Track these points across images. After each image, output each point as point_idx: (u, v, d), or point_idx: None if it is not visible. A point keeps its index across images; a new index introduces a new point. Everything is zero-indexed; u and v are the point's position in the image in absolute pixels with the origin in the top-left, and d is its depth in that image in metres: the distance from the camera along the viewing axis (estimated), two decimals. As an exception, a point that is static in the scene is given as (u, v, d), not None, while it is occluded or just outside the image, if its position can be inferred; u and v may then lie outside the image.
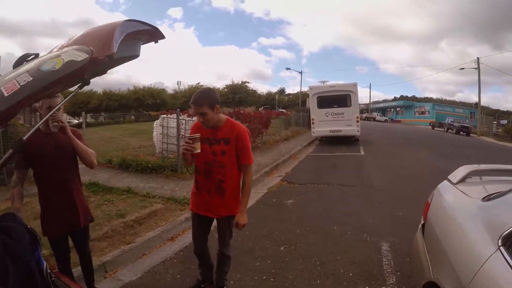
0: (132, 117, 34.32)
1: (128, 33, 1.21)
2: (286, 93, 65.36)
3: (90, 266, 2.50)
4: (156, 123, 8.02)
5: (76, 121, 30.76)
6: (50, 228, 2.18)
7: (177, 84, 48.68)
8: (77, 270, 2.61)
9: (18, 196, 1.99)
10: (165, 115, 7.46)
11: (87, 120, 30.30)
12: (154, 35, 1.49)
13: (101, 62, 1.09)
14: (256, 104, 40.24)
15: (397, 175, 7.44)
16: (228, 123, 2.19)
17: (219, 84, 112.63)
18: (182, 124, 7.12)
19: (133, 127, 19.15)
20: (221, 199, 2.22)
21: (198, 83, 38.70)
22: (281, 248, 3.58)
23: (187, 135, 2.09)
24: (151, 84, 38.08)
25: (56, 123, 1.96)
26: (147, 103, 34.43)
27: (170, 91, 42.72)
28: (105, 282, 2.96)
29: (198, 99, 2.04)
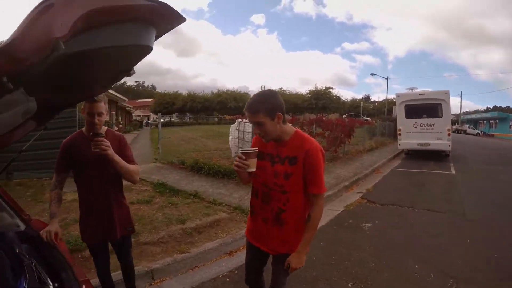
0: (216, 119, 36.35)
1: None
2: (371, 100, 63.43)
3: (131, 274, 2.43)
4: (232, 127, 8.05)
5: (162, 120, 33.86)
6: (86, 235, 2.15)
7: (261, 89, 50.29)
8: (118, 274, 2.53)
9: (55, 200, 1.94)
10: (241, 119, 7.33)
11: (173, 119, 33.30)
12: (167, 16, 1.13)
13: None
14: (339, 111, 39.32)
15: (494, 203, 5.95)
16: (297, 138, 1.70)
17: (303, 89, 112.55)
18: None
19: (214, 129, 20.05)
20: (278, 233, 1.76)
21: (281, 88, 39.33)
22: (349, 285, 2.93)
23: (242, 149, 1.67)
24: (234, 88, 40.13)
25: (97, 150, 1.86)
26: (229, 106, 36.21)
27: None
28: None
29: (252, 105, 1.61)
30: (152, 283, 2.95)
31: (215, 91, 41.05)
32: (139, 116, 45.08)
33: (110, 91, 16.85)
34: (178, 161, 7.75)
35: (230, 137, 8.13)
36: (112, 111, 16.50)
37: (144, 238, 3.65)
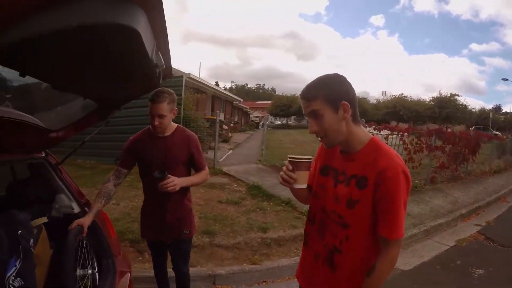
0: None
1: None
2: (503, 111, 51.19)
3: (184, 286, 2.29)
4: None
5: (279, 122, 35.08)
6: (143, 230, 2.19)
7: (382, 94, 47.06)
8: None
9: (102, 195, 1.87)
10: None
11: (290, 122, 34.12)
12: None
13: None
14: (466, 122, 34.11)
15: None
16: (371, 149, 1.19)
17: (426, 96, 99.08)
18: None
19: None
20: (327, 277, 1.30)
21: (402, 94, 35.84)
22: None
23: (290, 156, 1.26)
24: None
25: (166, 190, 1.86)
26: None
27: (373, 100, 41.90)
28: None
29: (308, 88, 1.18)
30: (211, 288, 2.90)
31: None
32: (257, 117, 48.17)
33: (223, 91, 18.37)
34: (280, 165, 7.66)
35: None
36: (216, 109, 17.93)
37: (219, 240, 3.64)
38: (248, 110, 40.98)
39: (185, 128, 2.15)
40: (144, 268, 2.99)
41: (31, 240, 1.23)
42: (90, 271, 1.67)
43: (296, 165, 1.22)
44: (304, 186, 1.26)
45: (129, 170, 2.07)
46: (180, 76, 7.21)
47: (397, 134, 6.57)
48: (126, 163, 2.04)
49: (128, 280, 1.86)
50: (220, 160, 8.94)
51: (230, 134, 15.49)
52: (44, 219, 1.51)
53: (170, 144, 1.99)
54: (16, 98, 1.68)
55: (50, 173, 1.81)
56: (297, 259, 3.21)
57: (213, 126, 12.90)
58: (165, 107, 1.87)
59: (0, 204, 1.61)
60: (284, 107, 40.42)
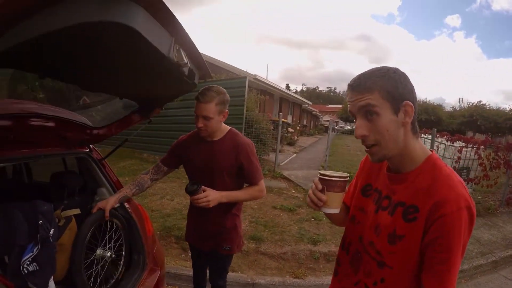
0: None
1: None
2: None
3: None
4: None
5: (349, 127, 33.70)
6: (186, 232, 2.07)
7: (459, 102, 42.37)
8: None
9: (135, 184, 1.85)
10: (424, 135, 6.01)
11: None
12: None
13: None
14: None
15: None
16: (428, 169, 0.92)
17: (506, 104, 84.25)
18: (436, 150, 5.43)
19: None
20: None
21: (480, 101, 31.70)
22: None
23: (321, 171, 1.04)
24: (427, 99, 35.11)
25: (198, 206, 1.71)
26: (420, 118, 32.74)
27: (448, 108, 38.30)
28: None
29: (363, 78, 0.89)
30: (249, 299, 2.81)
31: None
32: (327, 121, 46.96)
33: (291, 93, 18.14)
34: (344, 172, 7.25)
35: None
36: (284, 111, 17.71)
37: (265, 248, 3.52)
38: (318, 113, 40.29)
39: (238, 133, 1.87)
40: (185, 266, 3.04)
41: (52, 230, 1.29)
42: (108, 254, 1.70)
43: (328, 184, 1.01)
44: (336, 211, 1.03)
45: (170, 168, 1.96)
46: (244, 77, 7.30)
47: (472, 147, 5.64)
48: (167, 161, 1.93)
49: (157, 278, 1.87)
50: (282, 164, 8.84)
51: (296, 137, 15.29)
52: (76, 211, 1.60)
53: (216, 150, 1.77)
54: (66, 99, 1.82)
55: (92, 167, 1.92)
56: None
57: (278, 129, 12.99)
58: (211, 108, 1.64)
59: (41, 192, 1.75)
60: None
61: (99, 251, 1.66)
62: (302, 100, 22.06)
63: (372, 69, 0.92)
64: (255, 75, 11.40)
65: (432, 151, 0.97)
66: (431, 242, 0.85)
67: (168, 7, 0.93)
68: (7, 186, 2.10)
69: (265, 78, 13.08)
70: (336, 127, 39.04)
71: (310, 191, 1.05)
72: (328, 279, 3.00)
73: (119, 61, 1.14)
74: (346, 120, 40.41)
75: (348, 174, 1.04)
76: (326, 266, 3.35)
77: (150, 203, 4.53)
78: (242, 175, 1.80)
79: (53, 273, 1.26)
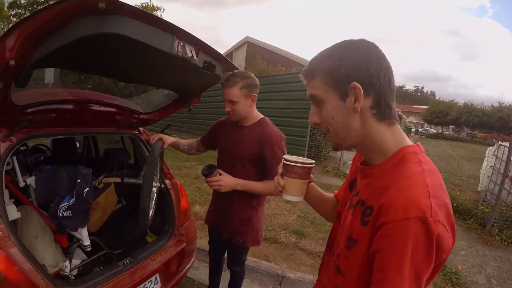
0: (494, 139, 28.60)
1: None
2: None
3: (233, 284, 2.22)
4: (489, 151, 5.86)
5: (434, 131, 30.39)
6: (207, 215, 2.16)
7: None
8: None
9: (187, 143, 2.09)
10: (503, 142, 5.18)
11: (446, 132, 29.12)
12: None
13: None
14: None
15: None
16: (394, 163, 0.76)
17: None
18: None
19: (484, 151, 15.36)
20: None
21: None
22: None
23: (284, 156, 1.01)
24: None
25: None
26: (511, 125, 27.66)
27: None
28: None
29: (310, 61, 0.83)
30: (276, 288, 2.90)
31: (496, 104, 33.35)
32: (412, 122, 42.85)
33: None
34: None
35: (484, 163, 5.93)
36: None
37: (305, 244, 3.56)
38: (400, 113, 37.73)
39: (269, 123, 1.86)
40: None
41: (86, 189, 1.64)
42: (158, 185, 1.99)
43: (286, 169, 0.98)
44: (297, 199, 1.00)
45: (206, 147, 2.11)
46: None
47: None
48: (205, 139, 2.09)
49: (180, 249, 2.09)
50: (349, 162, 8.53)
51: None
52: (117, 179, 1.95)
53: (242, 136, 1.81)
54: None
55: (140, 147, 2.27)
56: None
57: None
58: (235, 92, 1.71)
59: (98, 164, 2.17)
60: (440, 113, 34.99)
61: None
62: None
63: (329, 46, 0.80)
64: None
65: (416, 144, 0.80)
66: (373, 256, 0.70)
67: (152, 14, 1.15)
68: (76, 157, 2.62)
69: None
70: (420, 130, 35.49)
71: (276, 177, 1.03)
72: None
73: (136, 59, 1.38)
74: (431, 122, 36.57)
75: (313, 162, 1.00)
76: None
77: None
78: (264, 167, 1.78)
79: (84, 221, 1.62)
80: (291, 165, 0.97)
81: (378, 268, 0.68)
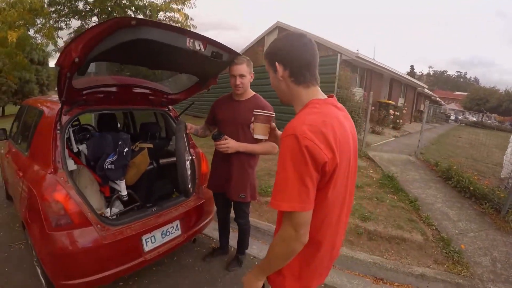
0: (507, 123, 25.96)
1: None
2: None
3: (243, 238, 2.65)
4: None
5: (474, 119, 28.44)
6: (209, 181, 2.52)
7: None
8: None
9: (204, 128, 2.50)
10: None
11: (485, 120, 27.10)
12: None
13: None
14: None
15: None
16: (303, 108, 1.18)
17: None
18: None
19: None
20: None
21: None
22: None
23: (255, 110, 1.45)
24: None
25: (219, 150, 2.17)
26: None
27: None
28: None
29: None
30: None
31: None
32: (453, 110, 40.26)
33: (402, 74, 16.24)
34: (434, 162, 6.74)
35: (509, 149, 5.80)
36: (395, 94, 16.09)
37: (248, 211, 3.77)
38: (438, 99, 35.43)
39: (260, 97, 2.29)
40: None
41: (126, 149, 2.19)
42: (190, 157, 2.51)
43: (255, 117, 1.40)
44: (262, 137, 1.40)
45: (213, 126, 2.48)
46: (335, 54, 7.31)
47: None
48: (209, 120, 2.46)
49: (198, 204, 2.56)
50: (374, 145, 8.64)
51: (401, 121, 14.11)
52: (149, 145, 2.51)
53: (241, 108, 2.20)
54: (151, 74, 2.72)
55: (169, 121, 2.77)
56: (376, 258, 3.13)
57: (385, 110, 12.15)
58: (244, 68, 2.13)
59: (134, 136, 2.72)
60: (480, 101, 32.53)
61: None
62: (416, 83, 19.67)
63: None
64: (357, 52, 10.90)
65: (329, 97, 1.19)
66: None
67: (169, 24, 1.65)
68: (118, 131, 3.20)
69: (372, 58, 12.31)
70: (459, 117, 33.21)
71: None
72: (362, 256, 3.18)
73: (162, 53, 1.84)
74: (470, 109, 34.18)
75: (274, 113, 1.46)
76: (366, 243, 3.42)
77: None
78: None
79: (123, 175, 2.18)
80: (256, 113, 1.39)
81: (277, 168, 1.03)
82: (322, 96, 1.18)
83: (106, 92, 2.17)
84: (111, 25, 1.38)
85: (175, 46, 1.65)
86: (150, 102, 2.59)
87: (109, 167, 2.07)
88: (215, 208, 2.74)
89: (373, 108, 7.99)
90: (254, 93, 2.31)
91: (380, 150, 8.05)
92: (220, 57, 2.00)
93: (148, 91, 2.46)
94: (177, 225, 2.33)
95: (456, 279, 2.89)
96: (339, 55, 7.06)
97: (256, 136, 1.40)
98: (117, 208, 2.34)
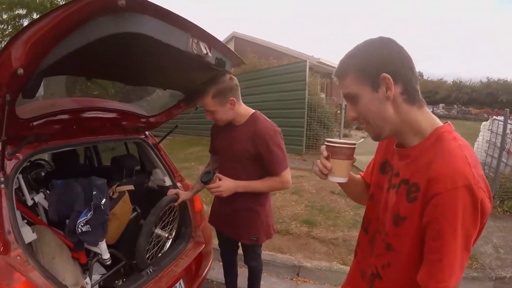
0: (485, 115, 28.86)
1: None
2: None
3: (252, 279, 2.18)
4: (484, 125, 5.92)
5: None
6: (210, 215, 2.06)
7: None
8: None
9: (186, 191, 2.08)
10: (498, 117, 5.24)
11: (438, 110, 29.42)
12: None
13: None
14: None
15: None
16: (432, 142, 0.83)
17: None
18: (510, 133, 4.75)
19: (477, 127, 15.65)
20: None
21: None
22: None
23: (328, 139, 1.03)
24: (508, 78, 30.59)
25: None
26: (501, 99, 28.28)
27: None
28: (283, 283, 2.84)
29: (340, 62, 0.91)
30: (294, 279, 2.89)
31: (484, 80, 34.00)
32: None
33: None
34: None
35: (480, 138, 5.97)
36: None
37: (317, 232, 3.55)
38: None
39: (260, 117, 1.76)
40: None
41: (103, 200, 1.56)
42: (166, 235, 1.99)
43: (333, 151, 0.98)
44: (343, 180, 1.01)
45: (216, 155, 1.99)
46: (304, 61, 7.17)
47: None
48: (211, 149, 2.01)
49: (200, 251, 2.06)
50: (348, 149, 8.55)
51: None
52: (130, 187, 1.88)
53: (235, 136, 1.74)
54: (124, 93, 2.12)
55: (148, 151, 2.20)
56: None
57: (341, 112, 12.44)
58: (208, 102, 1.64)
59: (105, 173, 2.09)
60: (429, 93, 35.64)
61: (157, 231, 1.92)
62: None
63: (353, 47, 0.88)
64: (319, 58, 11.04)
65: (447, 123, 0.87)
66: (426, 226, 0.78)
67: (171, 11, 1.06)
68: (79, 169, 2.53)
69: (332, 62, 12.54)
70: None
71: (318, 160, 1.02)
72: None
73: (149, 59, 1.32)
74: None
75: (356, 142, 1.03)
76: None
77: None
78: (264, 164, 1.71)
79: (103, 235, 1.54)
80: (340, 146, 0.98)
81: (433, 237, 0.76)
82: (436, 117, 0.89)
83: (65, 121, 1.56)
84: (82, 9, 0.84)
85: (173, 48, 1.13)
86: (123, 129, 2.02)
87: (84, 229, 1.45)
88: (214, 244, 2.27)
89: (339, 111, 7.92)
90: (253, 111, 1.79)
91: (356, 154, 7.94)
92: (223, 65, 1.53)
93: (120, 115, 1.91)
94: (180, 285, 1.77)
95: (470, 273, 2.85)
96: (307, 61, 6.90)
97: (335, 179, 1.00)
98: (97, 273, 1.74)
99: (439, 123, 0.86)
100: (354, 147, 1.00)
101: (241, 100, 1.74)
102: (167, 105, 2.15)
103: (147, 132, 2.25)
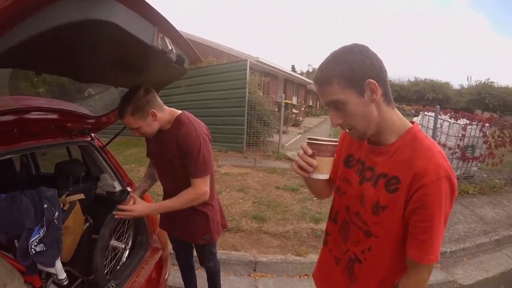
0: (413, 111, 32.93)
1: None
2: None
3: (212, 279, 2.17)
4: (415, 120, 6.69)
5: None
6: (161, 221, 2.03)
7: (467, 80, 42.07)
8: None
9: (147, 176, 1.97)
10: (428, 112, 5.90)
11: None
12: None
13: None
14: None
15: None
16: (409, 140, 0.95)
17: None
18: (440, 127, 5.40)
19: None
20: (347, 287, 1.15)
21: (488, 79, 31.31)
22: None
23: (310, 137, 1.02)
24: (433, 77, 34.98)
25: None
26: (427, 97, 32.47)
27: (456, 86, 38.55)
28: (241, 280, 2.87)
29: (321, 70, 0.92)
30: (251, 274, 2.94)
31: (412, 79, 37.75)
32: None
33: (295, 74, 17.90)
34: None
35: None
36: (289, 93, 17.57)
37: (267, 227, 3.65)
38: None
39: (184, 120, 1.68)
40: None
41: (56, 213, 1.39)
42: (123, 246, 1.85)
43: (318, 149, 0.98)
44: (326, 176, 1.01)
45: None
46: (244, 60, 7.27)
47: (477, 125, 5.57)
48: (147, 153, 1.92)
49: (159, 257, 1.99)
50: (287, 145, 8.92)
51: (301, 118, 15.27)
52: (81, 196, 1.69)
53: (164, 142, 1.71)
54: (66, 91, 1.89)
55: (95, 155, 2.01)
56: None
57: (285, 110, 12.92)
58: (130, 121, 1.58)
59: (49, 182, 1.85)
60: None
61: (113, 243, 1.77)
62: (306, 81, 21.79)
63: (330, 54, 0.92)
64: (257, 57, 11.26)
65: (413, 123, 0.99)
66: (413, 212, 0.90)
67: (145, 0, 0.98)
68: (17, 178, 2.21)
69: (269, 60, 12.89)
70: None
71: (297, 157, 1.02)
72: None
73: (108, 52, 1.20)
74: None
75: (337, 140, 1.05)
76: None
77: (155, 187, 4.67)
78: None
79: (59, 253, 1.37)
80: (326, 144, 0.98)
81: (422, 220, 0.89)
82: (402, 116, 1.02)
83: (4, 124, 1.34)
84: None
85: (139, 42, 1.04)
86: (68, 132, 1.81)
87: (38, 249, 1.23)
88: (169, 247, 2.20)
89: (276, 109, 8.20)
90: (178, 113, 1.72)
91: (295, 149, 8.33)
92: (182, 62, 1.44)
93: (65, 116, 1.70)
94: (144, 295, 1.66)
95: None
96: (248, 60, 6.98)
97: (320, 177, 1.00)
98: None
99: (409, 123, 0.99)
100: (337, 144, 1.03)
101: (164, 106, 1.67)
102: (115, 104, 1.99)
103: (93, 134, 2.06)
